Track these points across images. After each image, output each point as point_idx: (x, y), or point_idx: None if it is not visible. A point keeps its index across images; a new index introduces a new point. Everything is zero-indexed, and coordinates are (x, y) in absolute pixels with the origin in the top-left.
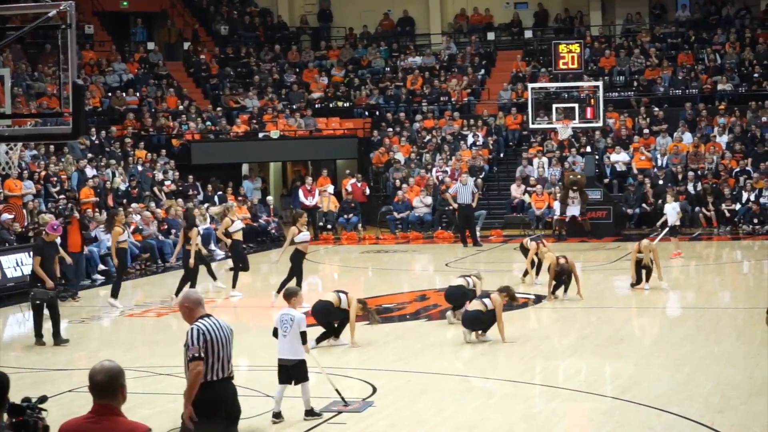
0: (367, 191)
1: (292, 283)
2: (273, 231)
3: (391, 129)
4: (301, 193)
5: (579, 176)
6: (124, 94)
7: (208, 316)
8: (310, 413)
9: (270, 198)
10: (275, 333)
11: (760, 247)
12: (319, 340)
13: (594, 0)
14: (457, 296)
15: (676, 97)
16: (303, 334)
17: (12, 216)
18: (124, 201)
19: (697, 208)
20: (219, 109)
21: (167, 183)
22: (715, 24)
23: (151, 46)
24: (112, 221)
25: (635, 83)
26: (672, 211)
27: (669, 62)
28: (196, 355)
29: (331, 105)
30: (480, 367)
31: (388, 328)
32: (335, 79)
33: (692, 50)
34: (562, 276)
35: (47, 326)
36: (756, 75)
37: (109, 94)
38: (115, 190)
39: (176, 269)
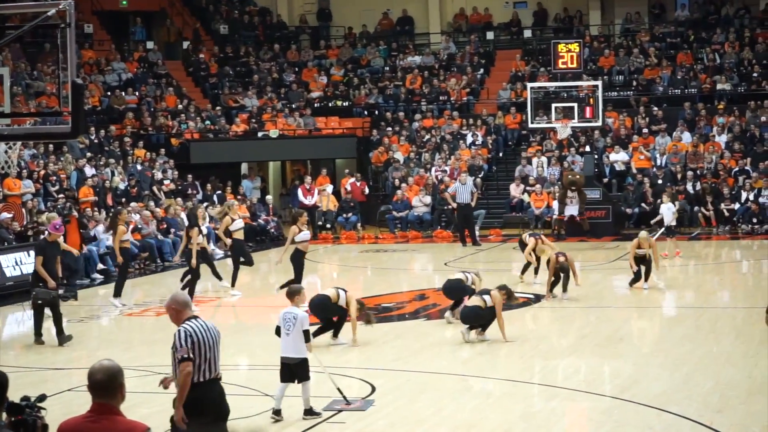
0: (366, 190)
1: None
2: (272, 230)
3: (390, 128)
4: (300, 192)
5: (577, 176)
6: (123, 94)
7: (195, 317)
8: (309, 412)
9: (269, 197)
10: (278, 331)
11: (759, 247)
12: (315, 334)
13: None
14: (456, 290)
15: (675, 96)
16: (306, 333)
17: (11, 215)
18: (123, 200)
19: (696, 208)
20: (218, 108)
21: (166, 182)
22: (715, 23)
23: (150, 45)
24: (115, 220)
25: (634, 83)
26: (668, 212)
27: (668, 62)
28: (186, 356)
29: (330, 104)
30: (479, 367)
31: (387, 328)
32: (334, 78)
33: (691, 50)
34: (561, 273)
35: (47, 325)
36: (755, 74)
37: (109, 93)
38: (114, 190)
39: (175, 269)
